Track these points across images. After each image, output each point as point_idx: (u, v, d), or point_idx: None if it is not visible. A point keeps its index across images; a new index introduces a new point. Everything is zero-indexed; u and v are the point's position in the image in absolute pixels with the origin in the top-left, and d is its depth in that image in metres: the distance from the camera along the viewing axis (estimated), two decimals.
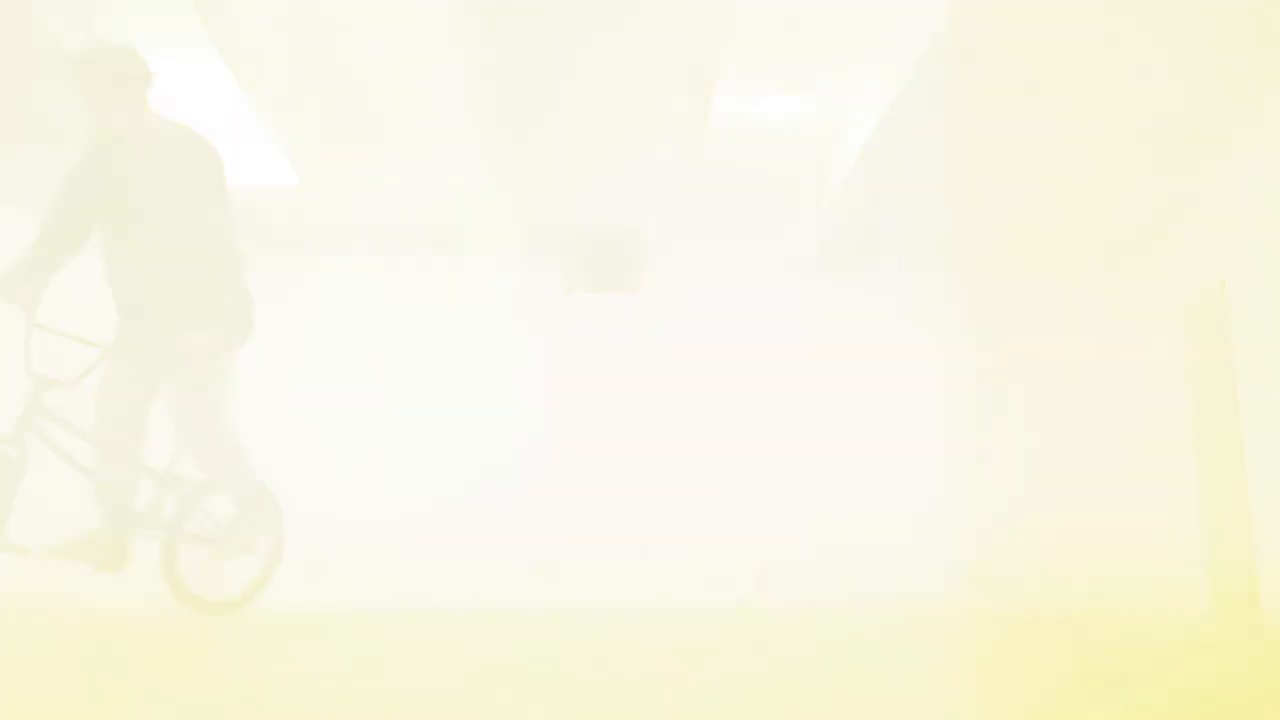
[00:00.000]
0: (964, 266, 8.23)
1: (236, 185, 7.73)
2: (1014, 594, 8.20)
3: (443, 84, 6.11)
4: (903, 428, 8.33)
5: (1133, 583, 7.81)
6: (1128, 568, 7.38)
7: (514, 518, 8.59)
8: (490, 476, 8.68)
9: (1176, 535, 7.91)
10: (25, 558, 6.39)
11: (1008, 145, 7.06)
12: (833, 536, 8.56)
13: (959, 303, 8.63)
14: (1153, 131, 6.90)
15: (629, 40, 5.86)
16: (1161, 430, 8.20)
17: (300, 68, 6.62)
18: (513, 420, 8.80)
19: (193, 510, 4.12)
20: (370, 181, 7.76)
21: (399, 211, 8.34)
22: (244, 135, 7.14)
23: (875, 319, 8.96)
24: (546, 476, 8.69)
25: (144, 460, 4.00)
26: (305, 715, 1.43)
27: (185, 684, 1.80)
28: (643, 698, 1.61)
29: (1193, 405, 7.71)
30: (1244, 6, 5.17)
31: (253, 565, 7.91)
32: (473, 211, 8.08)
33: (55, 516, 7.02)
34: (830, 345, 8.93)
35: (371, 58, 6.57)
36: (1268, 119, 6.55)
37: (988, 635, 3.13)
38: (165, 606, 7.01)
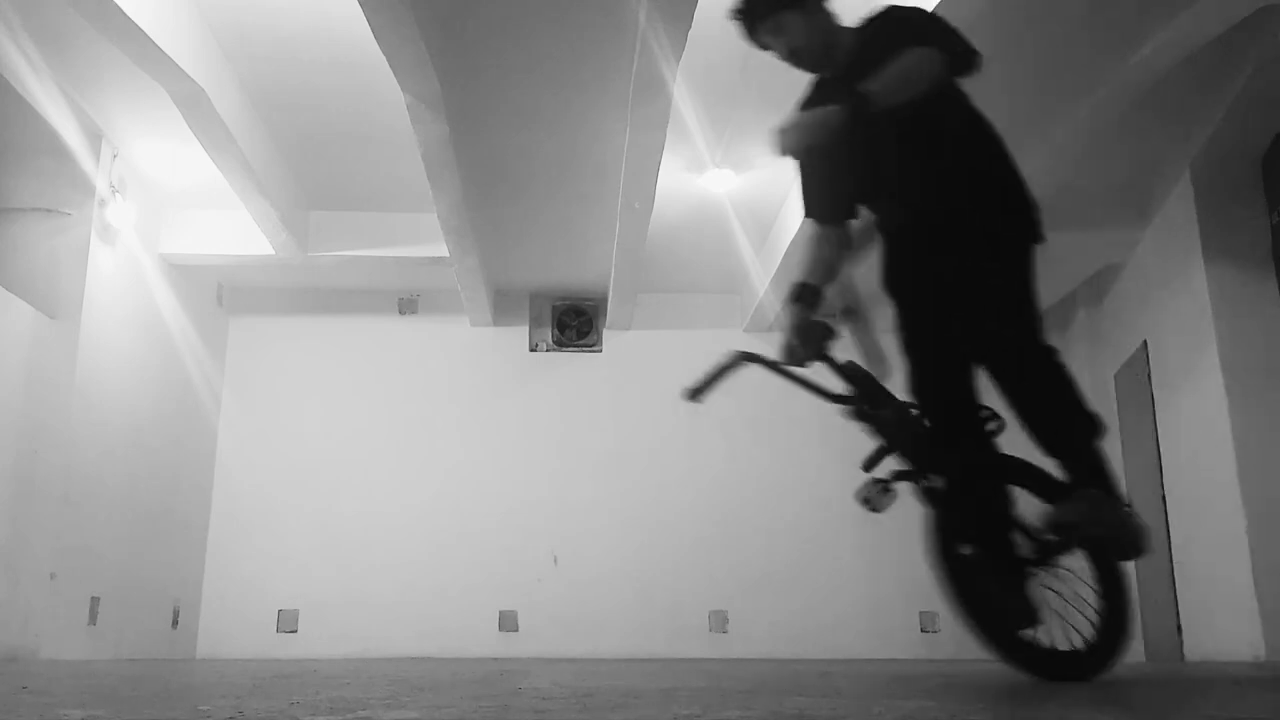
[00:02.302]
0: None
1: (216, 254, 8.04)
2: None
3: (411, 160, 6.48)
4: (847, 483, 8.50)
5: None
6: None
7: (483, 569, 8.75)
8: (462, 527, 8.86)
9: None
10: None
11: None
12: (787, 587, 8.75)
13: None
14: (1084, 208, 7.33)
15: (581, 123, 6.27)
16: None
17: (273, 144, 6.99)
18: (486, 469, 9.02)
19: None
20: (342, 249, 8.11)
21: (370, 276, 8.67)
22: (220, 206, 7.50)
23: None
24: (514, 526, 8.88)
25: None
26: None
27: None
28: None
29: (1124, 460, 8.08)
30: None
31: None
32: (441, 277, 8.40)
33: None
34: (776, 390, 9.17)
35: (339, 135, 6.94)
36: (1174, 196, 7.02)
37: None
38: None
